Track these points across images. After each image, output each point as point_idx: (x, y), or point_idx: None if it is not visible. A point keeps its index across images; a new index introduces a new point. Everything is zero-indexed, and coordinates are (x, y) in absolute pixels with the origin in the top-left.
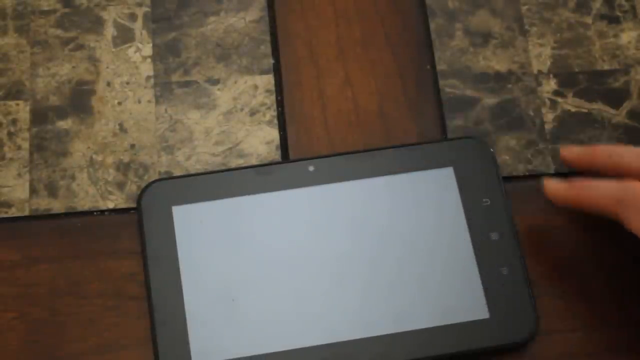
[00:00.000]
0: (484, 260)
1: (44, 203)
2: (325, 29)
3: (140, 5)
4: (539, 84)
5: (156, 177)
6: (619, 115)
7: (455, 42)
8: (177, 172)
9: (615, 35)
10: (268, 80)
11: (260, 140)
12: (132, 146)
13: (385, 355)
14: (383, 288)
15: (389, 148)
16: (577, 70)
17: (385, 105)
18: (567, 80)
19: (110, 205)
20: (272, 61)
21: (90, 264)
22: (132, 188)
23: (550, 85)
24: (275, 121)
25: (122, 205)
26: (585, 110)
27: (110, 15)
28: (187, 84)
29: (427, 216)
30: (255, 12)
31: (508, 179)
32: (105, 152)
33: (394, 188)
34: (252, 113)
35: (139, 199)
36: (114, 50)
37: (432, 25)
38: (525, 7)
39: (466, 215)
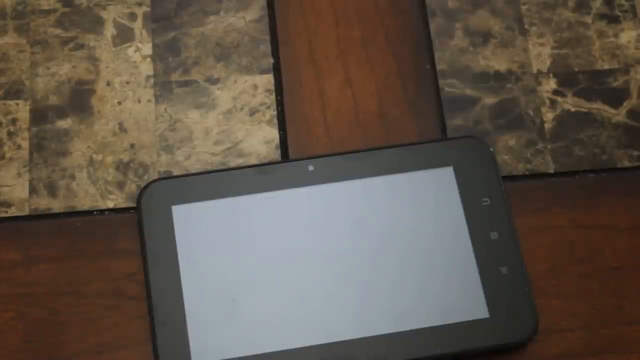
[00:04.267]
0: (483, 260)
1: (43, 203)
2: (325, 29)
3: (140, 4)
4: (539, 84)
5: (156, 176)
6: (618, 115)
7: (455, 41)
8: (177, 172)
9: (615, 35)
10: (268, 79)
11: (260, 140)
12: (132, 146)
13: (385, 355)
14: (383, 288)
15: (389, 148)
16: (576, 69)
17: (385, 105)
18: (567, 79)
19: (110, 205)
20: (272, 61)
21: (90, 264)
22: (132, 188)
23: (550, 84)
24: (275, 121)
25: (122, 205)
26: (585, 110)
27: (110, 14)
28: (186, 83)
29: (427, 216)
30: (255, 11)
31: (508, 178)
32: (105, 152)
33: (393, 188)
34: (252, 112)
35: (138, 198)
36: (113, 49)
37: (432, 25)
38: (525, 6)
39: (466, 215)
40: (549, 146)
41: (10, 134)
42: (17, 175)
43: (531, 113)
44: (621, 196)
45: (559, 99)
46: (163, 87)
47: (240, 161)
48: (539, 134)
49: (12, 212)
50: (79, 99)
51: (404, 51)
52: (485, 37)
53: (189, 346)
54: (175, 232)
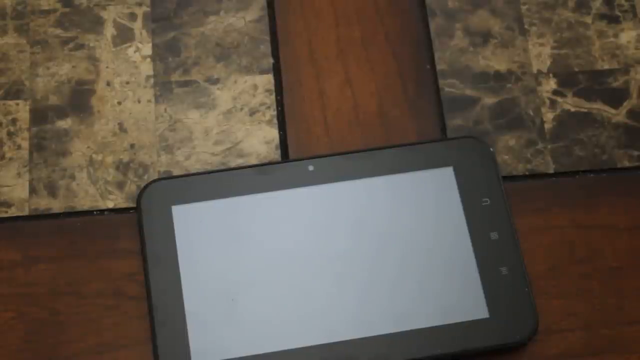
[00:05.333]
0: (483, 260)
1: (43, 203)
2: (325, 29)
3: (140, 4)
4: (539, 84)
5: (156, 176)
6: (618, 115)
7: (455, 41)
8: (177, 172)
9: (615, 35)
10: (268, 79)
11: (260, 140)
12: (132, 146)
13: (385, 355)
14: (383, 288)
15: (389, 148)
16: (576, 70)
17: (385, 105)
18: (567, 79)
19: (110, 205)
20: (272, 61)
21: (89, 264)
22: (132, 188)
23: (550, 84)
24: (275, 121)
25: (122, 205)
26: (585, 110)
27: (110, 15)
28: (186, 83)
29: (427, 216)
30: (255, 11)
31: (508, 178)
32: (105, 152)
33: (393, 188)
34: (252, 113)
35: (138, 198)
36: (113, 49)
37: (432, 25)
38: (525, 6)
39: (466, 215)
40: (549, 146)
41: (10, 134)
42: (17, 175)
43: (531, 113)
44: (621, 196)
45: (559, 99)
46: (163, 87)
47: (240, 161)
48: (539, 134)
49: (12, 212)
50: (79, 99)
51: (404, 51)
52: (485, 37)
53: (189, 346)
54: (175, 232)
